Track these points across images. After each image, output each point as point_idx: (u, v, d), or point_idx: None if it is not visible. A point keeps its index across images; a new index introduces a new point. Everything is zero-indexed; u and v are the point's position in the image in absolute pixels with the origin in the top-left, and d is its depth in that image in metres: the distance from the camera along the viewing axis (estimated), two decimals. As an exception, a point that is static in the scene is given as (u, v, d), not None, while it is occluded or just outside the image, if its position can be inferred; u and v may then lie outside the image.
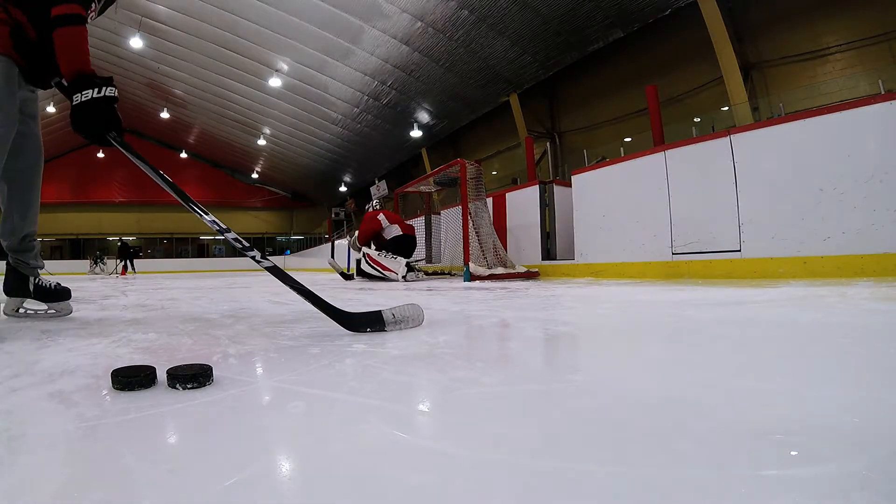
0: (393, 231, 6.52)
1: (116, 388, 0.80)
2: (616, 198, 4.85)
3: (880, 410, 0.64)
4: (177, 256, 27.27)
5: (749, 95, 8.93)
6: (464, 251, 5.51)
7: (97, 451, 0.57)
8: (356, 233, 6.99)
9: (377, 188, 7.19)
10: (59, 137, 20.79)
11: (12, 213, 1.84)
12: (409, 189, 8.09)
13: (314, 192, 28.44)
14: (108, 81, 1.51)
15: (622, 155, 5.18)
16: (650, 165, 4.39)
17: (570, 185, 5.44)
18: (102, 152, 25.15)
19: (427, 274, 6.67)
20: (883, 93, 5.18)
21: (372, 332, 1.38)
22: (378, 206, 7.43)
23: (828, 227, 3.18)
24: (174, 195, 1.47)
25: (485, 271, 5.23)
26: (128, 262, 18.28)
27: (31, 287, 1.94)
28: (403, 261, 5.98)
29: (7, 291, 1.91)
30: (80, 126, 1.48)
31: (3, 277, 1.94)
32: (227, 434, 0.61)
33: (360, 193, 20.31)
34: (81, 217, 26.63)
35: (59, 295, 2.03)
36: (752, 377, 0.86)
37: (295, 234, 30.59)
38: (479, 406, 0.72)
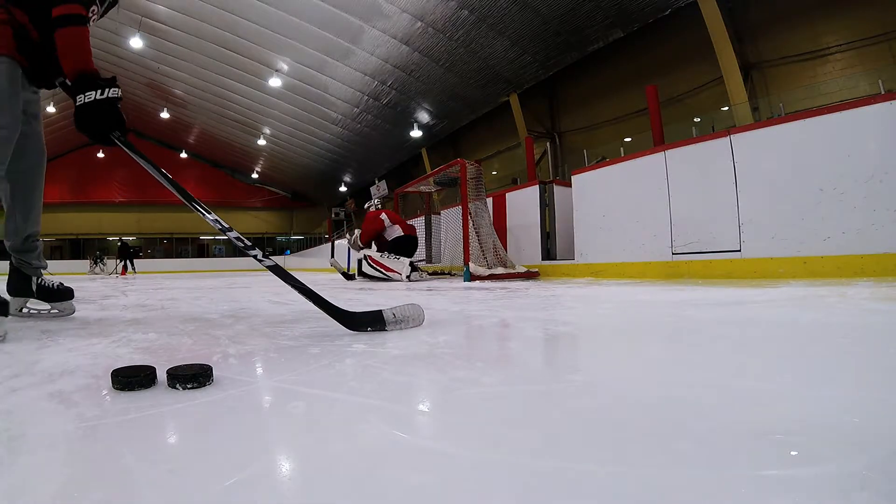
0: (395, 232, 6.52)
1: (116, 388, 0.80)
2: (616, 198, 4.85)
3: (880, 410, 0.64)
4: (177, 256, 27.28)
5: (749, 95, 8.93)
6: (464, 251, 5.51)
7: (97, 451, 0.57)
8: (357, 232, 6.96)
9: (377, 188, 7.18)
10: (59, 137, 20.79)
11: (15, 214, 1.85)
12: (409, 189, 8.09)
13: (314, 192, 28.44)
14: (112, 82, 1.52)
15: (622, 155, 5.18)
16: (650, 165, 4.39)
17: (570, 185, 5.44)
18: (102, 152, 25.21)
19: (428, 274, 6.67)
20: (883, 93, 5.18)
21: (372, 331, 1.38)
22: (379, 206, 7.41)
23: (828, 227, 3.18)
24: (177, 194, 1.48)
25: (485, 271, 5.23)
26: (128, 262, 18.28)
27: (34, 287, 1.95)
28: (407, 261, 5.96)
29: (10, 291, 1.91)
30: (84, 127, 1.49)
31: (6, 278, 1.95)
32: (227, 434, 0.61)
33: (360, 193, 20.29)
34: (81, 217, 26.63)
35: (61, 295, 2.03)
36: (752, 377, 0.86)
37: (295, 234, 30.59)
38: (479, 406, 0.72)
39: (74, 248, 26.37)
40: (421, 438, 0.59)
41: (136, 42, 14.53)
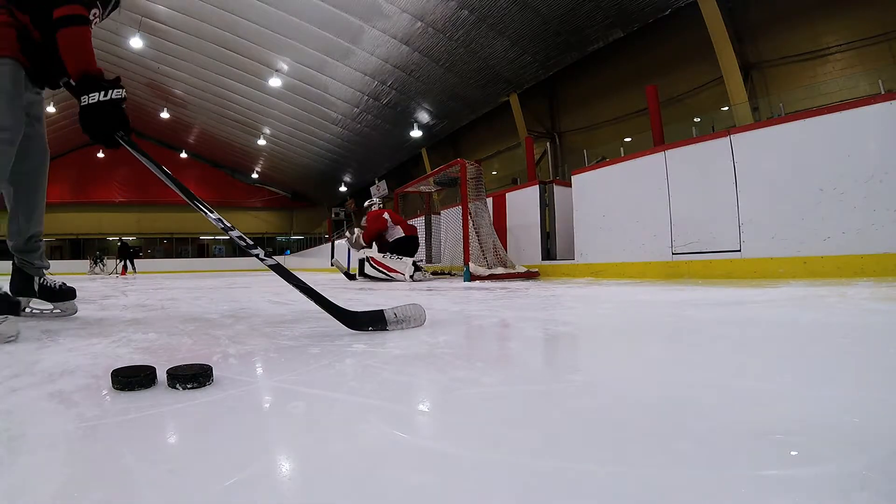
0: (396, 232, 6.51)
1: (116, 388, 0.80)
2: (616, 198, 4.85)
3: (880, 410, 0.64)
4: (177, 256, 27.28)
5: (749, 95, 8.93)
6: (464, 251, 5.51)
7: (97, 451, 0.57)
8: (357, 231, 6.94)
9: (377, 188, 7.17)
10: (59, 137, 20.78)
11: (18, 215, 1.86)
12: (409, 189, 8.09)
13: (314, 192, 28.43)
14: (115, 83, 1.52)
15: (622, 155, 5.18)
16: (650, 165, 4.39)
17: (570, 185, 5.44)
18: (102, 152, 25.19)
19: (431, 274, 6.66)
20: (883, 93, 5.18)
21: (374, 331, 1.38)
22: (379, 205, 7.37)
23: (828, 227, 3.18)
24: (181, 194, 1.49)
25: (485, 271, 5.23)
26: (128, 261, 18.28)
27: (37, 287, 1.96)
28: (410, 260, 5.95)
29: (13, 292, 1.92)
30: (88, 128, 1.49)
31: (8, 278, 1.95)
32: (227, 434, 0.61)
33: (360, 193, 20.29)
34: (81, 217, 26.63)
35: (64, 294, 2.04)
36: (752, 377, 0.86)
37: (295, 234, 30.58)
38: (479, 406, 0.72)
39: (74, 248, 26.37)
40: (421, 438, 0.59)
41: (136, 42, 14.52)
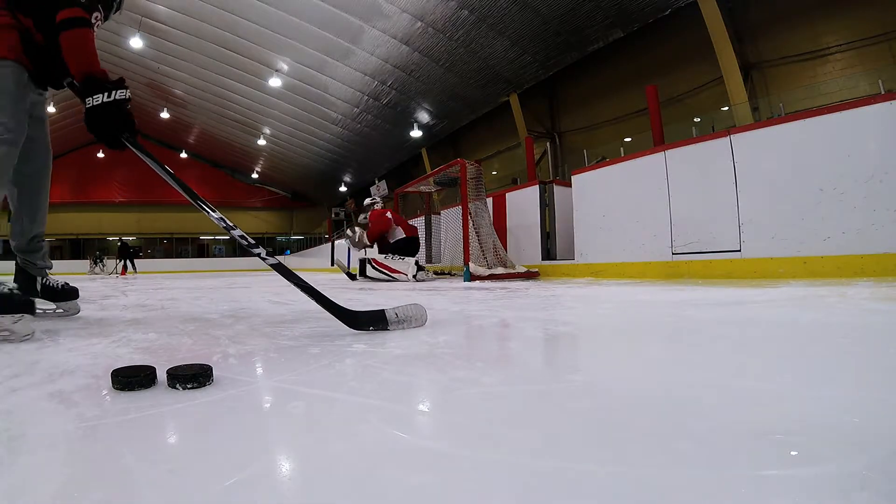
0: (397, 234, 6.51)
1: (116, 388, 0.80)
2: (616, 198, 4.85)
3: (880, 410, 0.64)
4: (177, 256, 27.28)
5: (749, 95, 8.93)
6: (464, 251, 5.51)
7: (97, 451, 0.57)
8: (358, 230, 6.90)
9: (377, 188, 7.15)
10: (59, 137, 20.73)
11: (21, 216, 1.87)
12: (409, 189, 8.09)
13: (314, 192, 28.43)
14: (119, 84, 1.53)
15: (622, 155, 5.18)
16: (650, 165, 4.39)
17: (570, 185, 5.44)
18: (103, 152, 25.20)
19: (434, 273, 6.65)
20: (883, 93, 5.19)
21: (374, 330, 1.38)
22: (381, 205, 7.32)
23: (828, 227, 3.18)
24: (185, 195, 1.50)
25: (485, 271, 5.23)
26: (127, 261, 18.28)
27: (39, 287, 1.97)
28: (412, 260, 5.92)
29: None
30: (94, 130, 1.50)
31: (10, 278, 1.96)
32: (227, 434, 0.61)
33: (360, 193, 20.28)
34: (81, 217, 26.62)
35: (66, 294, 2.05)
36: (752, 377, 0.86)
37: (295, 234, 30.58)
38: (479, 406, 0.72)
39: (74, 248, 26.36)
40: (421, 438, 0.59)
41: (136, 42, 14.53)
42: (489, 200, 6.33)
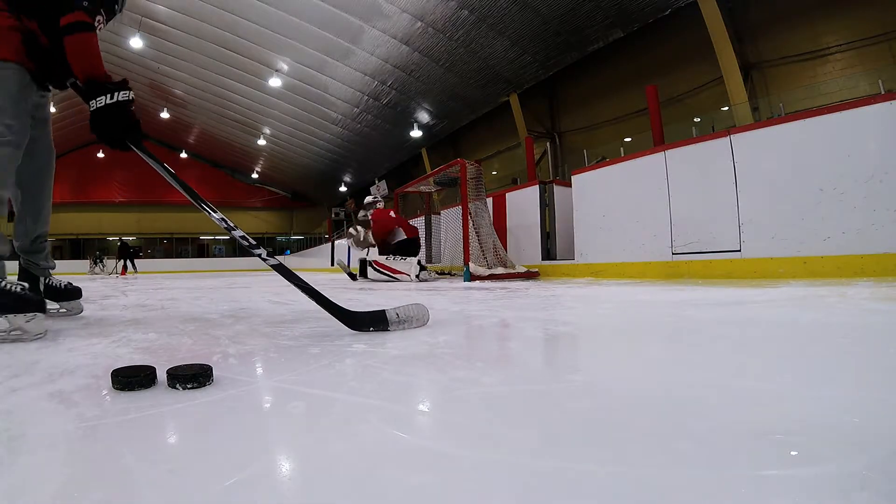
0: (399, 235, 6.49)
1: (116, 388, 0.80)
2: (616, 198, 4.85)
3: (880, 410, 0.64)
4: (177, 256, 27.28)
5: (749, 95, 8.93)
6: (464, 251, 5.51)
7: (97, 451, 0.57)
8: (361, 230, 6.82)
9: (377, 188, 7.14)
10: (59, 137, 20.58)
11: (25, 216, 1.89)
12: (409, 189, 8.08)
13: (314, 192, 28.44)
14: (122, 85, 1.54)
15: (622, 155, 5.18)
16: (650, 165, 4.39)
17: (570, 185, 5.44)
18: (103, 152, 25.22)
19: (437, 273, 6.64)
20: (883, 93, 5.19)
21: (375, 331, 1.38)
22: (382, 204, 7.25)
23: (828, 227, 3.18)
24: (187, 196, 1.51)
25: (485, 271, 5.23)
26: (128, 261, 18.28)
27: (42, 287, 1.98)
28: (414, 260, 5.88)
29: None
30: (98, 132, 1.51)
31: (15, 278, 1.97)
32: (227, 434, 0.61)
33: (360, 193, 20.28)
34: (81, 217, 26.62)
35: (69, 294, 2.07)
36: (752, 377, 0.86)
37: (295, 234, 30.59)
38: (479, 406, 0.72)
39: (74, 248, 26.36)
40: (421, 438, 0.59)
41: (136, 42, 14.54)
42: (489, 200, 6.32)
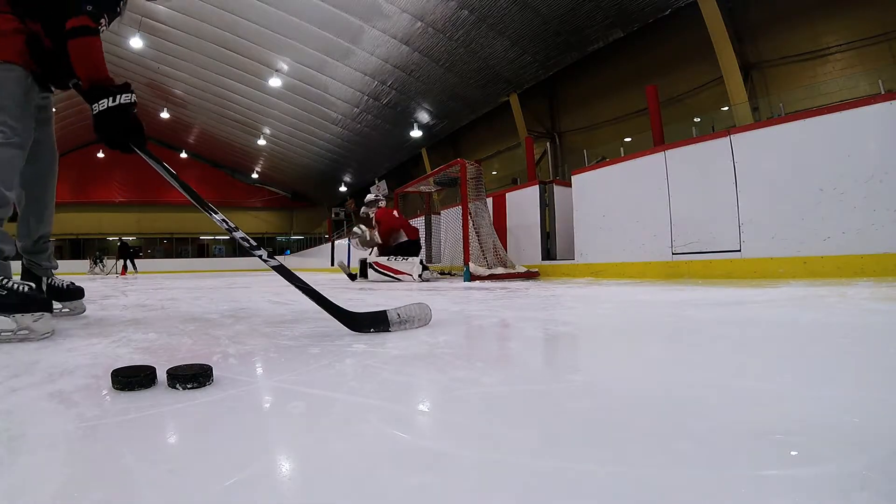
0: (400, 236, 6.47)
1: (116, 388, 0.80)
2: (616, 198, 4.85)
3: (880, 410, 0.64)
4: (177, 256, 27.29)
5: (749, 95, 8.93)
6: (464, 251, 5.50)
7: (97, 451, 0.57)
8: (365, 229, 6.74)
9: (377, 188, 7.10)
10: (59, 137, 20.16)
11: (28, 217, 1.90)
12: (409, 189, 8.08)
13: (314, 192, 28.44)
14: (125, 88, 1.55)
15: (622, 155, 5.18)
16: (650, 165, 4.39)
17: (570, 185, 5.44)
18: (103, 152, 25.21)
19: (439, 273, 6.62)
20: (883, 93, 5.19)
21: (376, 332, 1.38)
22: (384, 202, 7.16)
23: (828, 227, 3.18)
24: (189, 198, 1.52)
25: (485, 271, 5.23)
26: (127, 261, 18.28)
27: (45, 287, 1.98)
28: (416, 260, 5.84)
29: None
30: (102, 135, 1.52)
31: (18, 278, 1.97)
32: (227, 434, 0.61)
33: (360, 193, 20.27)
34: (81, 217, 26.63)
35: (72, 294, 2.08)
36: (752, 377, 0.86)
37: (295, 234, 30.60)
38: (479, 406, 0.72)
39: (74, 248, 26.36)
40: (421, 438, 0.59)
41: (136, 42, 14.53)
42: (489, 200, 6.32)
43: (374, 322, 1.39)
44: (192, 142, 25.99)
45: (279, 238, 31.14)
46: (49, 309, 1.42)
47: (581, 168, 5.44)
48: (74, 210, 26.22)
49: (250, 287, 4.83)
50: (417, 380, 0.88)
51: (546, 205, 6.00)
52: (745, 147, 3.69)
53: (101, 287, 5.83)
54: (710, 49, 9.04)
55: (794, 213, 3.37)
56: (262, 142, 22.39)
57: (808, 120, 3.35)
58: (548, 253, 5.96)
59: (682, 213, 4.15)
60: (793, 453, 0.49)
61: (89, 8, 1.57)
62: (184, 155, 26.80)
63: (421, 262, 5.86)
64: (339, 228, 18.77)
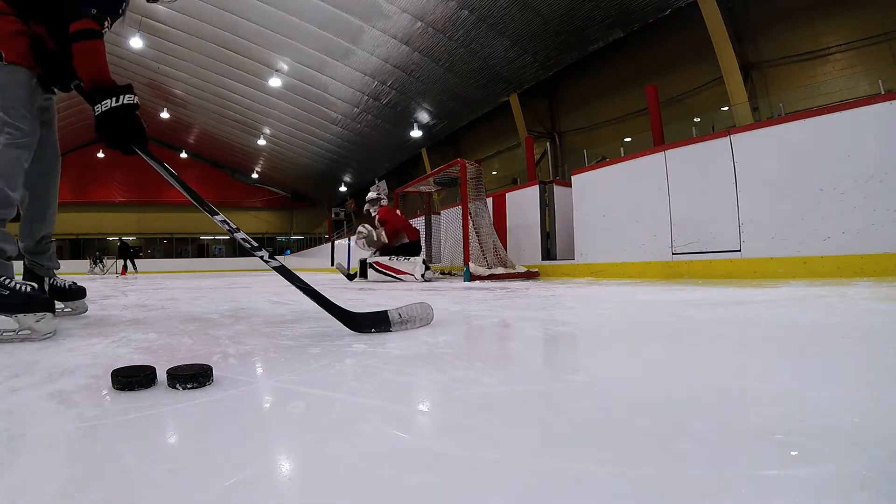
0: (402, 237, 6.47)
1: (116, 388, 0.80)
2: (616, 198, 4.85)
3: (880, 410, 0.64)
4: (177, 256, 27.29)
5: (749, 95, 8.93)
6: (464, 251, 5.50)
7: (97, 451, 0.57)
8: (370, 229, 6.66)
9: (377, 188, 7.08)
10: (59, 137, 20.73)
11: (31, 217, 1.91)
12: (409, 189, 8.08)
13: (314, 192, 28.44)
14: (127, 89, 1.56)
15: (622, 155, 5.18)
16: (650, 165, 4.39)
17: (570, 185, 5.44)
18: (103, 152, 25.21)
19: (440, 273, 6.61)
20: (883, 93, 5.18)
21: (377, 332, 1.38)
22: (386, 201, 7.10)
23: (828, 227, 3.18)
24: (191, 199, 1.52)
25: (485, 271, 5.23)
26: (127, 261, 18.28)
27: (47, 287, 1.99)
28: (419, 260, 5.79)
29: None
30: (104, 136, 1.53)
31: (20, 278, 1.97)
32: (227, 434, 0.61)
33: (360, 193, 20.28)
34: (81, 217, 26.62)
35: (74, 294, 2.09)
36: (752, 377, 0.86)
37: (295, 234, 30.60)
38: (479, 406, 0.72)
39: (74, 248, 26.36)
40: (421, 438, 0.59)
41: (136, 42, 14.52)
42: (489, 200, 6.32)
43: (375, 322, 1.39)
44: (192, 142, 25.99)
45: (279, 238, 31.14)
46: (51, 309, 1.42)
47: (581, 168, 5.44)
48: (74, 210, 26.20)
49: (250, 287, 4.83)
50: (417, 380, 0.88)
51: (546, 205, 6.00)
52: (745, 147, 3.69)
53: (101, 287, 5.83)
54: (710, 49, 9.04)
55: (794, 213, 3.37)
56: (262, 142, 22.39)
57: (808, 120, 3.35)
58: (548, 253, 5.96)
59: (682, 213, 4.15)
60: (793, 453, 0.49)
61: (93, 11, 1.58)
62: (184, 155, 26.80)
63: (424, 262, 5.81)
64: (339, 228, 18.76)
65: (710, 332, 1.41)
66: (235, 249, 26.73)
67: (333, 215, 19.34)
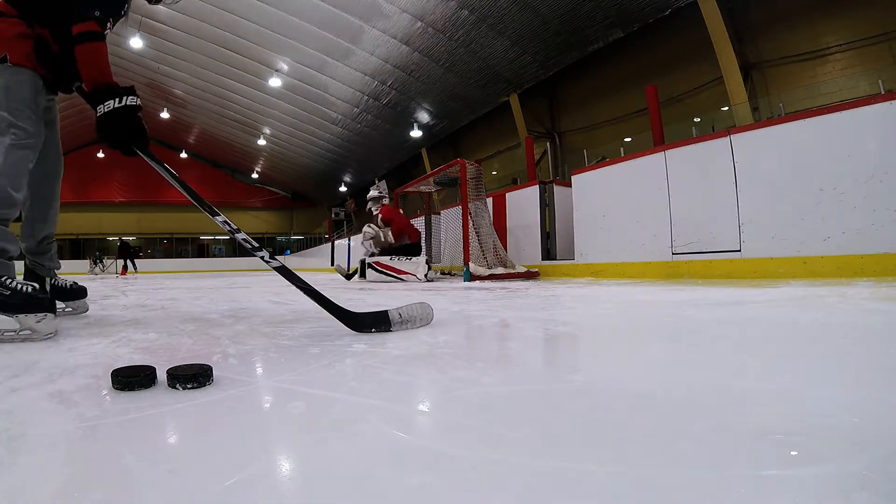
0: (404, 238, 6.46)
1: (116, 388, 0.80)
2: (616, 198, 4.85)
3: (880, 410, 0.64)
4: (177, 256, 27.28)
5: (749, 95, 8.93)
6: (464, 251, 5.50)
7: (97, 451, 0.57)
8: (377, 229, 6.53)
9: (377, 188, 7.07)
10: (60, 138, 20.75)
11: (33, 217, 1.92)
12: (409, 189, 8.08)
13: (314, 192, 28.43)
14: (129, 91, 1.57)
15: (622, 155, 5.18)
16: (650, 165, 4.39)
17: (570, 185, 5.44)
18: (103, 152, 25.21)
19: (442, 273, 6.61)
20: (883, 93, 5.18)
21: (377, 332, 1.38)
22: (387, 200, 7.05)
23: (828, 227, 3.18)
24: (192, 200, 1.52)
25: (485, 271, 5.23)
26: (128, 261, 18.27)
27: (48, 287, 1.99)
28: (421, 259, 5.74)
29: None
30: (105, 136, 1.53)
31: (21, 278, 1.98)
32: (227, 434, 0.61)
33: (360, 193, 20.27)
34: (81, 217, 26.61)
35: (75, 294, 2.09)
36: (752, 377, 0.86)
37: (295, 234, 30.59)
38: (479, 406, 0.72)
39: (74, 248, 26.36)
40: (421, 438, 0.59)
41: (136, 42, 14.52)
42: (489, 200, 6.32)
43: (375, 322, 1.39)
44: (192, 142, 25.98)
45: (279, 238, 31.13)
46: (52, 310, 1.42)
47: (581, 168, 5.44)
48: (74, 210, 26.20)
49: (250, 287, 4.83)
50: (417, 380, 0.88)
51: (546, 205, 6.00)
52: (745, 147, 3.69)
53: (102, 287, 5.84)
54: (710, 49, 9.04)
55: (794, 213, 3.37)
56: (262, 142, 22.38)
57: (808, 120, 3.35)
58: (548, 253, 5.96)
59: (682, 213, 4.15)
60: (793, 453, 0.49)
61: (96, 13, 1.58)
62: (184, 155, 26.79)
63: (427, 262, 5.74)
64: (339, 228, 18.76)
65: (710, 332, 1.41)
66: (235, 249, 26.72)
67: (333, 215, 19.34)
